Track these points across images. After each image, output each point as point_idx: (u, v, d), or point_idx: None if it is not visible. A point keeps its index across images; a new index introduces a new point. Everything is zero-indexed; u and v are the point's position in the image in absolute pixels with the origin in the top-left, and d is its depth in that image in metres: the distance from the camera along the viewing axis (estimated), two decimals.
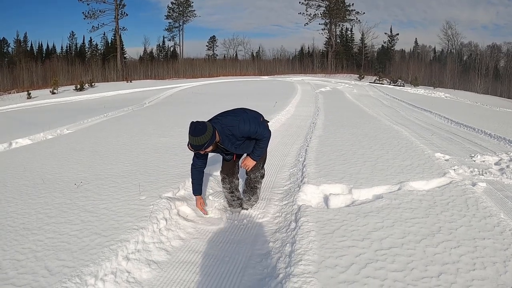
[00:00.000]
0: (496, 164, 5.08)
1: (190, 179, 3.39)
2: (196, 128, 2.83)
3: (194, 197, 3.42)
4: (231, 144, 3.12)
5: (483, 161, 5.21)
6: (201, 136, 2.82)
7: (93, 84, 29.79)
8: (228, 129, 3.03)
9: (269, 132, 3.30)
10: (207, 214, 3.51)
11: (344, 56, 53.28)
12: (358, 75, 43.56)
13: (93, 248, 2.56)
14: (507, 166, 4.83)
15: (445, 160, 5.15)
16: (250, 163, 3.32)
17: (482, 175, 4.48)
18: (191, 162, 3.31)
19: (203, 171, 3.37)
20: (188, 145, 2.92)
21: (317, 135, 6.81)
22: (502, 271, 2.23)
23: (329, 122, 8.67)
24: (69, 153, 5.62)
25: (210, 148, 2.97)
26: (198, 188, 3.37)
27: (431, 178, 4.06)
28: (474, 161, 5.22)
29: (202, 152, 2.99)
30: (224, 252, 2.88)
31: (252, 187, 3.55)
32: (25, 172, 4.60)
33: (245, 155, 3.45)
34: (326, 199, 3.61)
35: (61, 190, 3.83)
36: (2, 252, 2.56)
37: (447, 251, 2.46)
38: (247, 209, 3.60)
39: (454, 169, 4.57)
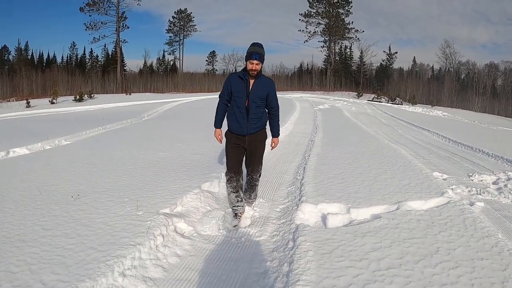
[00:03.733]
0: (494, 183, 5.10)
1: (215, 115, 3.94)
2: (259, 44, 3.66)
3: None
4: (256, 91, 3.68)
5: (481, 181, 5.23)
6: (262, 49, 3.64)
7: (92, 95, 29.88)
8: (269, 79, 3.87)
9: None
10: (221, 143, 4.08)
11: (343, 73, 53.74)
12: (356, 93, 43.86)
13: (89, 263, 2.53)
14: (505, 186, 4.85)
15: (443, 179, 5.17)
16: (277, 141, 4.11)
17: (480, 194, 4.49)
18: (218, 101, 3.91)
19: (227, 107, 3.89)
20: (245, 56, 3.64)
21: (315, 153, 6.83)
22: None
23: (327, 140, 8.70)
24: (66, 165, 5.60)
25: (260, 66, 3.63)
26: (220, 122, 3.97)
27: (429, 198, 4.06)
28: (472, 180, 5.24)
29: (255, 63, 3.58)
30: (221, 270, 2.85)
31: (252, 185, 4.05)
32: (22, 182, 4.57)
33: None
34: (324, 218, 3.60)
35: (57, 202, 3.80)
36: None
37: (445, 271, 2.45)
38: (250, 206, 4.02)
39: (452, 189, 4.58)
